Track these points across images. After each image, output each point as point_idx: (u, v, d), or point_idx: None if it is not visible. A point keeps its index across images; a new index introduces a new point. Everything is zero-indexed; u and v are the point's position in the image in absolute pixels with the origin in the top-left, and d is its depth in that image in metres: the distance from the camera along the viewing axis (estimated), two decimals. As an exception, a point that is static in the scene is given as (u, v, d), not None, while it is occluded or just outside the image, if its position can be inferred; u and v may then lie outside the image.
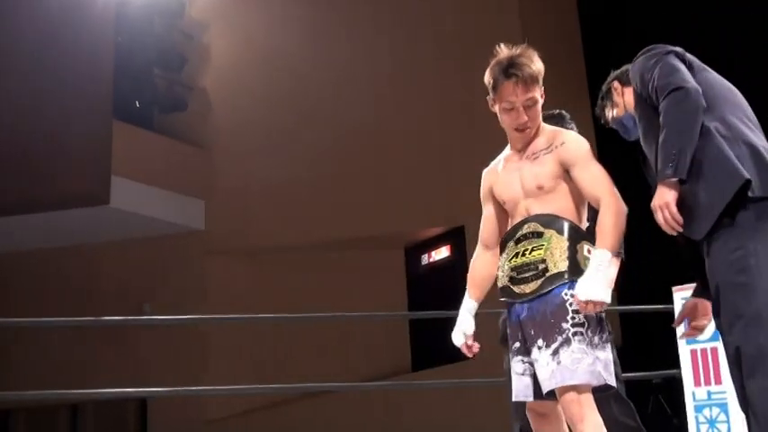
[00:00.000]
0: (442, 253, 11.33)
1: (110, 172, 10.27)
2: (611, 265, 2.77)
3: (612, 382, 2.75)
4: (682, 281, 4.20)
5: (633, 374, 3.52)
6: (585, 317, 2.73)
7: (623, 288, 3.40)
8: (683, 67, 2.75)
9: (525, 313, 2.84)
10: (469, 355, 3.00)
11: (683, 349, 3.99)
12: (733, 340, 2.56)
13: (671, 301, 4.15)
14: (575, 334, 2.70)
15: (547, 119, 3.11)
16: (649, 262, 6.70)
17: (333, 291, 10.99)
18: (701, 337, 3.94)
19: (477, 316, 3.05)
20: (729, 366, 2.65)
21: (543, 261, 2.79)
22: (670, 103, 2.65)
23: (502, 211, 3.03)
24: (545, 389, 2.75)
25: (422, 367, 10.77)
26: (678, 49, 2.85)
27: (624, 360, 3.33)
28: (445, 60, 10.72)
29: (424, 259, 11.55)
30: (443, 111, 10.71)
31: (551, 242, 2.80)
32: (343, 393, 10.37)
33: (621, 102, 3.07)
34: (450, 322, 3.01)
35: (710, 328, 2.89)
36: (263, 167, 11.61)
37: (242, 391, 9.93)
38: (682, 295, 4.07)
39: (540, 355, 2.75)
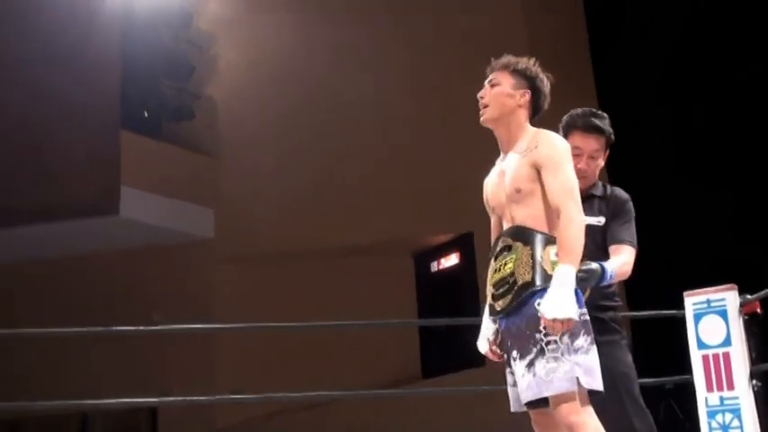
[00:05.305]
0: (452, 260, 11.31)
1: (119, 182, 10.30)
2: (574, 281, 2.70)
3: (597, 386, 2.73)
4: (693, 286, 4.17)
5: (645, 380, 3.48)
6: None
7: (634, 293, 3.37)
8: None
9: (503, 326, 2.88)
10: (496, 360, 2.98)
11: (695, 354, 3.96)
12: None
13: (682, 307, 4.12)
14: (548, 343, 2.70)
15: None
16: (660, 267, 6.68)
17: (342, 298, 10.98)
18: (713, 342, 3.91)
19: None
20: None
21: (512, 274, 2.80)
22: None
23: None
24: (522, 400, 2.78)
25: (432, 374, 10.74)
26: None
27: (636, 366, 3.30)
28: (451, 62, 10.70)
29: (434, 266, 11.53)
30: (451, 116, 10.69)
31: (518, 253, 2.80)
32: (354, 401, 10.34)
33: None
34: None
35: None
36: (272, 175, 11.61)
37: (251, 399, 9.91)
38: (693, 300, 4.04)
39: (517, 368, 2.78)
